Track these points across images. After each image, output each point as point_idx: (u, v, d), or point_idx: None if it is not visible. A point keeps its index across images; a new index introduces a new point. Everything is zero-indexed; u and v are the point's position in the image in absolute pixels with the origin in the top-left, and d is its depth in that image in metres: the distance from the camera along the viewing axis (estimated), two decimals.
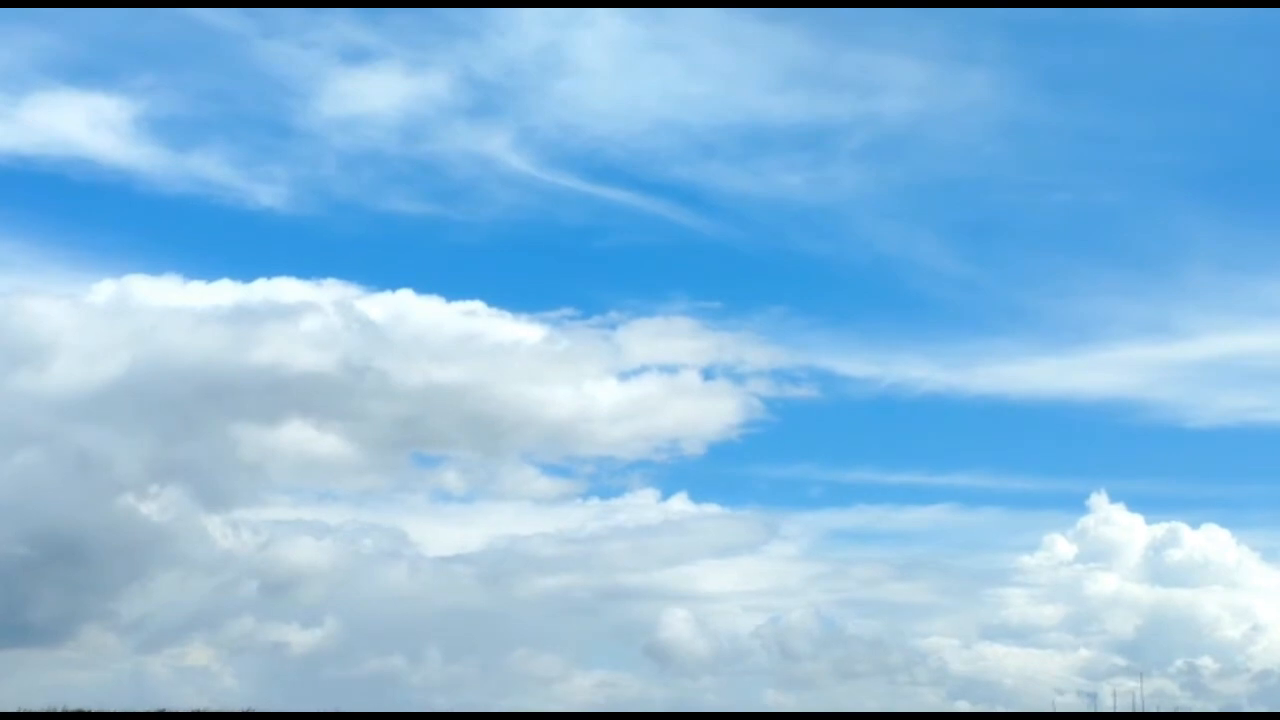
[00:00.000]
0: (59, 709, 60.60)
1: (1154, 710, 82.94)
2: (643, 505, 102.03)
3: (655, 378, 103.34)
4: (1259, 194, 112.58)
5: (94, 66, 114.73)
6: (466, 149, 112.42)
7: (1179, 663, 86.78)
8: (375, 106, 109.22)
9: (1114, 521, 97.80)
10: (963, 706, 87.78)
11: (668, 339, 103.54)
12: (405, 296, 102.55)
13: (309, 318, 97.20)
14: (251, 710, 62.82)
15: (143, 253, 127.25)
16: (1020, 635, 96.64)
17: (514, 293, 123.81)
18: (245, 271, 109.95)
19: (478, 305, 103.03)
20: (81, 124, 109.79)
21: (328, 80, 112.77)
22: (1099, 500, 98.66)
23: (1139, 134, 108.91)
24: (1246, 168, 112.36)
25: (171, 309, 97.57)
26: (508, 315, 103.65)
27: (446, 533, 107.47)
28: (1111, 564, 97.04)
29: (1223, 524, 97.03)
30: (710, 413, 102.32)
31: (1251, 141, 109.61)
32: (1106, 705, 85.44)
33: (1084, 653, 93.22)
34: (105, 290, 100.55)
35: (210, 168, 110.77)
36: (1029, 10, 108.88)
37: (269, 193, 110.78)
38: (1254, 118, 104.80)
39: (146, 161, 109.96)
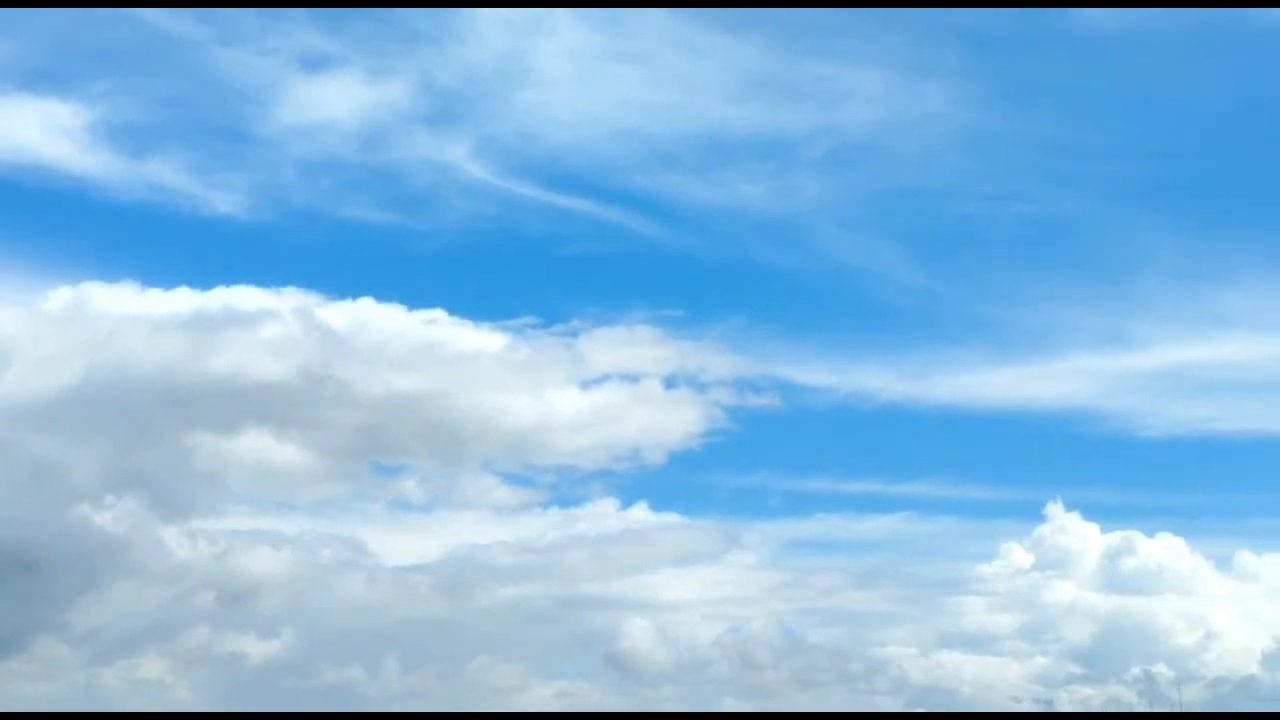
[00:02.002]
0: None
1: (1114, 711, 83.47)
2: (603, 514, 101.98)
3: (617, 386, 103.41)
4: (1214, 205, 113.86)
5: (48, 72, 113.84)
6: (426, 157, 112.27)
7: (1135, 670, 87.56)
8: (334, 114, 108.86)
9: (1070, 530, 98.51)
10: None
11: (629, 347, 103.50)
12: (366, 305, 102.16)
13: (268, 326, 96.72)
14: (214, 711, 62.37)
15: (99, 260, 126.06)
16: (978, 643, 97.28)
17: (475, 301, 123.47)
18: (204, 279, 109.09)
19: (439, 314, 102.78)
20: (36, 130, 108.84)
21: (286, 87, 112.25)
22: (1055, 509, 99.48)
23: (1097, 145, 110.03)
24: (1202, 178, 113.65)
25: (128, 316, 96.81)
26: (469, 324, 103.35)
27: (405, 542, 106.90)
28: (1068, 572, 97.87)
29: (1177, 533, 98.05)
30: (672, 422, 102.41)
31: (1207, 152, 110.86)
32: (1063, 712, 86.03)
33: (1040, 660, 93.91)
34: (61, 297, 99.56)
35: (167, 175, 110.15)
36: (988, 14, 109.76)
37: (227, 200, 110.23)
38: (1211, 128, 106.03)
39: (102, 168, 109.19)
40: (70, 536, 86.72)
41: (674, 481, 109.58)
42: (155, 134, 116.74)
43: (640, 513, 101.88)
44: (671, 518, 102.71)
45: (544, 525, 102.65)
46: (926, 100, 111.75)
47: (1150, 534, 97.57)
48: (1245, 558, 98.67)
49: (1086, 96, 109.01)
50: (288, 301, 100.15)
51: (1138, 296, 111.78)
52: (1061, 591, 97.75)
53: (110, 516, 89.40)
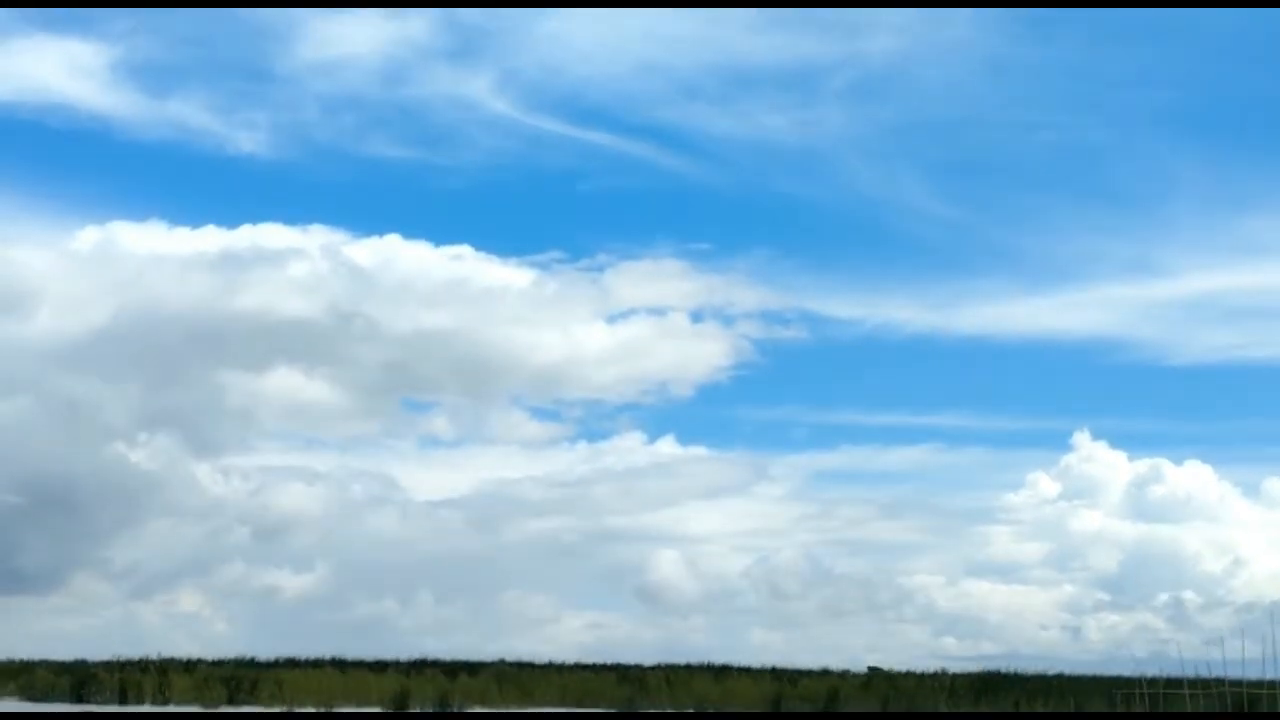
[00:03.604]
0: (53, 659, 61.53)
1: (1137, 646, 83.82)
2: (630, 448, 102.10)
3: (643, 320, 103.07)
4: (1243, 130, 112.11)
5: (69, 11, 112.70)
6: (448, 92, 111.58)
7: (1163, 597, 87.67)
8: (355, 50, 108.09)
9: (1097, 459, 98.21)
10: (949, 642, 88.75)
11: (656, 281, 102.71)
12: (392, 241, 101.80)
13: (295, 263, 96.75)
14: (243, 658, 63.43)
15: (125, 199, 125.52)
16: (1004, 572, 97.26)
17: (501, 237, 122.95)
18: (230, 217, 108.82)
19: (465, 250, 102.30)
20: (58, 70, 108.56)
21: (306, 23, 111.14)
22: (1082, 438, 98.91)
23: (1124, 72, 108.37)
24: (1231, 104, 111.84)
25: (156, 255, 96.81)
26: (495, 259, 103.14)
27: (436, 477, 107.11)
28: (1094, 501, 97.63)
29: (1205, 460, 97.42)
30: (699, 355, 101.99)
31: (1237, 78, 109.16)
32: (1091, 639, 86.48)
33: (1068, 588, 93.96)
34: (89, 237, 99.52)
35: (189, 113, 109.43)
36: None
37: (249, 138, 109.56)
38: (1240, 53, 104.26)
39: (125, 108, 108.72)
40: (105, 474, 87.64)
41: (701, 415, 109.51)
42: (176, 73, 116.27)
43: (667, 446, 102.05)
44: (699, 451, 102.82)
45: (572, 459, 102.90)
46: (951, 28, 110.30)
47: (1178, 462, 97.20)
48: (1274, 484, 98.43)
49: (1113, 22, 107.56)
50: (314, 239, 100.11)
51: (1165, 224, 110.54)
52: (1088, 520, 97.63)
53: (144, 454, 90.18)
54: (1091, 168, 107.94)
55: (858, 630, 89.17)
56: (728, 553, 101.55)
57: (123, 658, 57.72)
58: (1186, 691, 52.65)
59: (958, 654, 79.20)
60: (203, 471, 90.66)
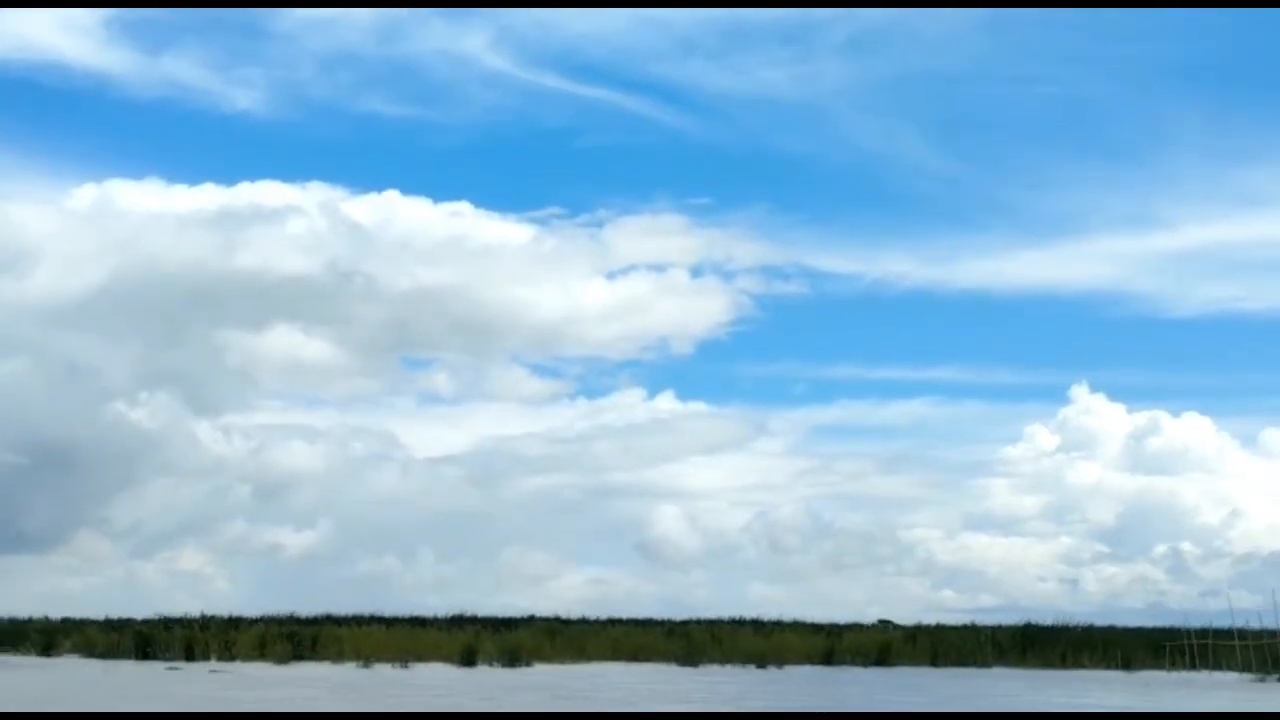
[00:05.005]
0: (56, 617, 60.87)
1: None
2: (630, 405, 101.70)
3: (643, 276, 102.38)
4: (1242, 83, 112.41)
5: None
6: (445, 48, 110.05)
7: (1161, 548, 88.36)
8: (350, 6, 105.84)
9: (1095, 411, 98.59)
10: (948, 595, 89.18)
11: (655, 237, 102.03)
12: (391, 198, 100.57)
13: (294, 221, 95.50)
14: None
15: (122, 157, 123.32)
16: (1003, 525, 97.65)
17: (500, 193, 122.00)
18: (228, 175, 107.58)
19: (464, 206, 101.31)
20: (53, 28, 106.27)
21: None
22: (1080, 391, 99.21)
23: (1124, 24, 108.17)
24: (1231, 57, 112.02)
25: (154, 213, 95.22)
26: (495, 215, 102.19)
27: (436, 434, 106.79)
28: (1093, 453, 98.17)
29: (1203, 412, 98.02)
30: (698, 311, 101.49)
31: (1236, 30, 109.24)
32: (1089, 590, 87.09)
33: (1066, 540, 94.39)
34: (87, 195, 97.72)
35: (184, 70, 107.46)
36: None
37: (245, 96, 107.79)
38: (1239, 5, 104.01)
39: (120, 65, 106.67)
40: (106, 433, 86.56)
41: (701, 371, 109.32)
42: (171, 30, 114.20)
43: (667, 402, 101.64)
44: (698, 406, 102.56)
45: (572, 416, 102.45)
46: None
47: (1176, 414, 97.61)
48: (1271, 435, 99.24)
49: None
50: (312, 196, 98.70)
51: (1165, 177, 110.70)
52: (1087, 472, 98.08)
53: (144, 413, 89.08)
54: (1090, 121, 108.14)
55: (858, 583, 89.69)
56: (728, 508, 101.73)
57: (163, 615, 57.31)
58: (1237, 643, 53.05)
59: (956, 606, 79.87)
60: (203, 430, 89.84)
